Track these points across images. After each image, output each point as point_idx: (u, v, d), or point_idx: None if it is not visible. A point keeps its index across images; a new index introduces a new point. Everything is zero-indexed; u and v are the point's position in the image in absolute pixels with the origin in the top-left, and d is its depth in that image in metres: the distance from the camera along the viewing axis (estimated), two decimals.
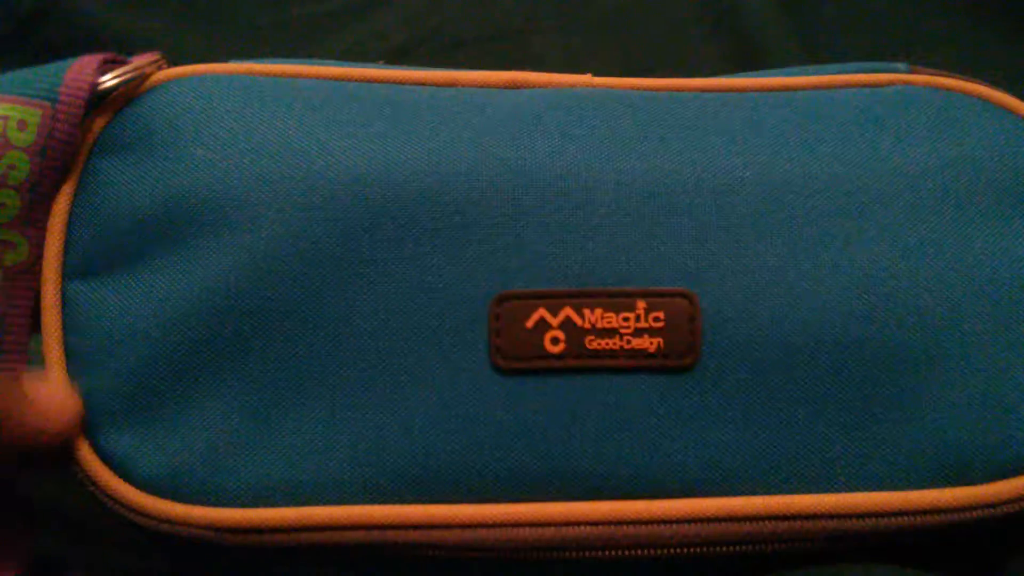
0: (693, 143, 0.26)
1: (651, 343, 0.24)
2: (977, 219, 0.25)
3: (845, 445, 0.24)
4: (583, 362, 0.24)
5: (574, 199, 0.25)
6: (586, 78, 0.28)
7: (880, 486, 0.24)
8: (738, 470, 0.24)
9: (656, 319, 0.24)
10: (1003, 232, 0.25)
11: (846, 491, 0.24)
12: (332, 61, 0.28)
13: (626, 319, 0.24)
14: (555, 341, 0.24)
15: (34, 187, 0.24)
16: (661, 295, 0.24)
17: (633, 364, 0.24)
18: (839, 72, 0.28)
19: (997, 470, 0.24)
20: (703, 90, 0.28)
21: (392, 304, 0.24)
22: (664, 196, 0.25)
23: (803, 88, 0.28)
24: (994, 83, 0.28)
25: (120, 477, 0.24)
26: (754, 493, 0.24)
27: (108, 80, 0.25)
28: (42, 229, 0.25)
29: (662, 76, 0.41)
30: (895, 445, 0.24)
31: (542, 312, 0.24)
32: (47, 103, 0.24)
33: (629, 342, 0.24)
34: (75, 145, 0.25)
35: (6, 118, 0.24)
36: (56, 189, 0.25)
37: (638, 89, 0.28)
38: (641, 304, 0.24)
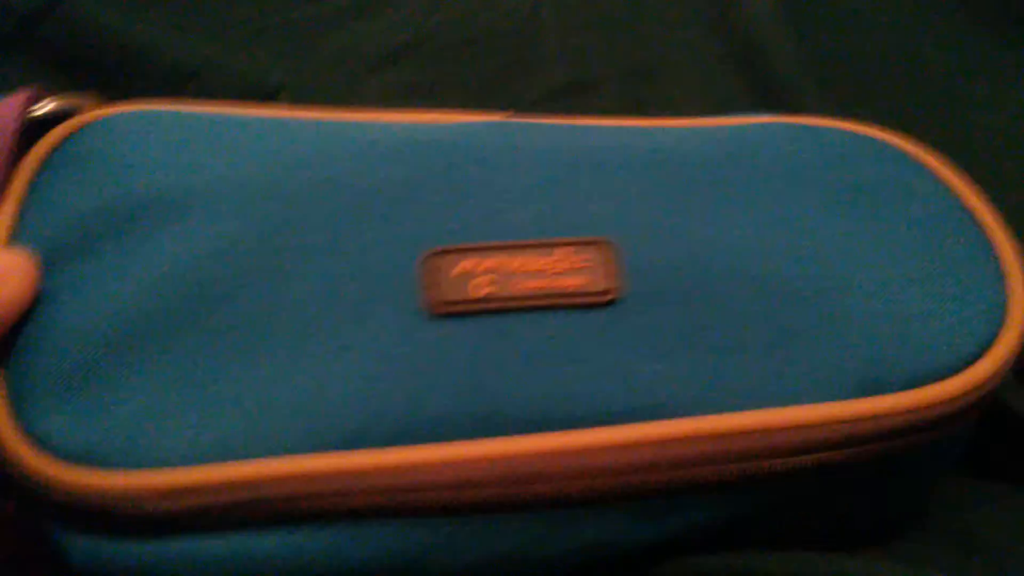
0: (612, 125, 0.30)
1: (574, 282, 0.26)
2: (820, 199, 0.29)
3: (766, 367, 0.25)
4: (511, 303, 0.25)
5: (503, 162, 0.28)
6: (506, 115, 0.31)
7: (804, 401, 0.25)
8: (665, 397, 0.25)
9: (582, 262, 0.26)
10: (838, 215, 0.28)
11: (772, 408, 0.25)
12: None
13: (550, 263, 0.26)
14: (480, 287, 0.26)
15: None
16: (585, 243, 0.26)
17: (557, 303, 0.26)
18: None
19: (910, 381, 0.26)
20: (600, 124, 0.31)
21: (325, 269, 0.26)
22: (588, 158, 0.28)
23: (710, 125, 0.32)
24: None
25: (39, 452, 0.23)
26: (681, 418, 0.25)
27: (42, 107, 0.27)
28: None
29: (662, 75, 0.41)
30: (814, 365, 0.26)
31: (469, 262, 0.26)
32: None
33: (554, 280, 0.26)
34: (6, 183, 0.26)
35: None
36: None
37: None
38: (564, 250, 0.26)
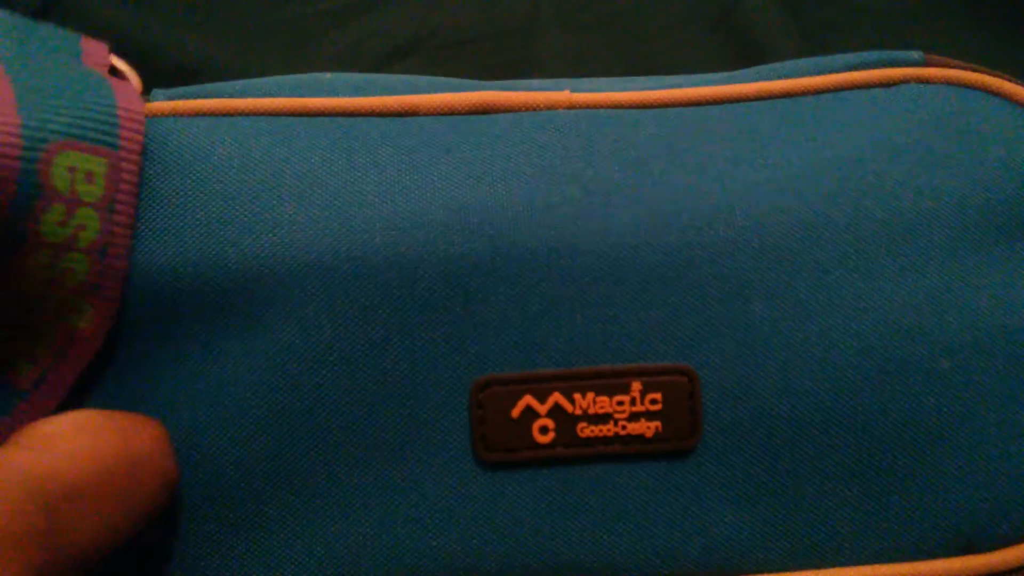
0: (687, 183, 0.23)
1: (648, 428, 0.22)
2: (992, 260, 0.23)
3: (854, 520, 0.23)
4: (575, 451, 0.22)
5: (559, 267, 0.23)
6: (565, 95, 0.25)
7: (888, 558, 0.23)
8: (741, 552, 0.23)
9: (653, 401, 0.22)
10: (1017, 273, 0.23)
11: (853, 565, 0.23)
12: (271, 81, 0.26)
13: (620, 403, 0.22)
14: (544, 430, 0.23)
15: (103, 249, 0.21)
16: (658, 372, 0.22)
17: (629, 451, 0.23)
18: (847, 67, 0.26)
19: (1004, 538, 0.23)
20: (699, 101, 0.25)
21: (363, 396, 0.23)
22: (657, 257, 0.23)
23: (807, 93, 0.25)
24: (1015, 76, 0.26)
25: None
26: (759, 573, 0.23)
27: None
28: (109, 299, 0.22)
29: (662, 75, 0.41)
30: (906, 517, 0.23)
31: (528, 399, 0.22)
32: (110, 150, 0.21)
33: (624, 427, 0.22)
34: (137, 197, 0.22)
35: (74, 169, 0.20)
36: (126, 249, 0.22)
37: (624, 107, 0.25)
38: (636, 385, 0.23)
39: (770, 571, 0.23)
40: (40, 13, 0.39)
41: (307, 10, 0.42)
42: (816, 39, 0.42)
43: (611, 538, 0.23)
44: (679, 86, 0.26)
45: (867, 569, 0.23)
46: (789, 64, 0.26)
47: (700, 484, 0.23)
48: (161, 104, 0.25)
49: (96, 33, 0.40)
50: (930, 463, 0.23)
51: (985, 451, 0.23)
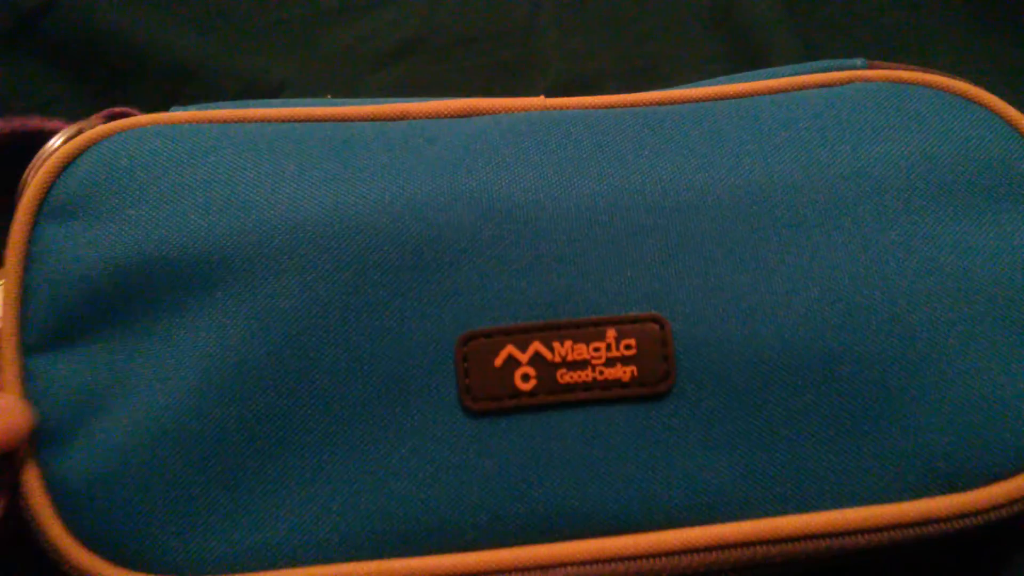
0: (652, 160, 0.25)
1: (624, 372, 0.24)
2: (945, 216, 0.25)
3: (830, 460, 0.24)
4: (556, 397, 0.24)
5: (534, 227, 0.24)
6: (539, 101, 0.28)
7: (870, 500, 0.23)
8: (722, 496, 0.23)
9: (627, 347, 0.24)
10: (973, 227, 0.25)
11: (834, 508, 0.23)
12: (278, 101, 0.28)
13: (597, 349, 0.24)
14: (526, 378, 0.24)
15: None
16: (631, 321, 0.24)
17: (608, 395, 0.24)
18: (795, 74, 0.28)
19: (985, 475, 0.24)
20: (660, 103, 0.27)
21: (353, 354, 0.24)
22: (626, 217, 0.24)
23: (760, 94, 0.27)
24: (954, 73, 0.28)
25: (89, 550, 0.23)
26: (741, 518, 0.23)
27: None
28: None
29: (662, 74, 0.41)
30: (882, 457, 0.24)
31: (510, 349, 0.24)
32: None
33: (602, 373, 0.24)
34: None
35: None
36: None
37: (593, 108, 0.27)
38: (611, 333, 0.24)
39: (754, 516, 0.23)
40: (40, 13, 0.40)
41: (307, 10, 0.42)
42: (815, 39, 0.42)
43: (594, 483, 0.23)
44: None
45: (851, 512, 0.23)
46: (743, 75, 0.29)
47: (678, 428, 0.24)
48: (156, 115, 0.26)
49: (95, 33, 0.40)
50: (898, 403, 0.24)
51: (953, 391, 0.24)
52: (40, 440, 0.24)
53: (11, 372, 0.24)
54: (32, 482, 0.23)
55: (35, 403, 0.24)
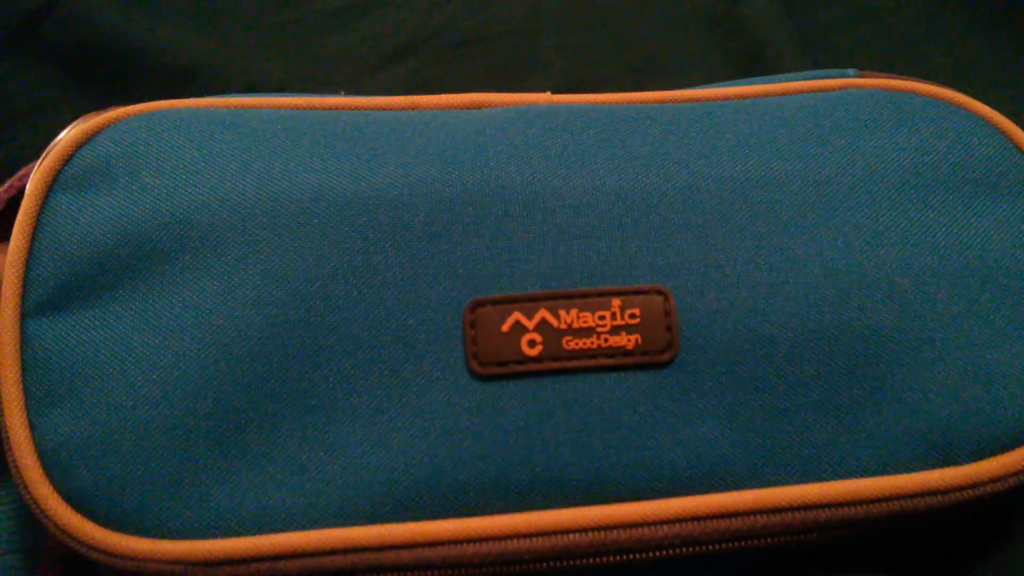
0: (656, 148, 0.26)
1: (628, 340, 0.24)
2: (939, 202, 0.26)
3: (830, 432, 0.24)
4: (561, 364, 0.24)
5: (543, 204, 0.25)
6: (546, 96, 0.29)
7: (868, 471, 0.24)
8: (724, 465, 0.24)
9: (632, 316, 0.24)
10: (967, 212, 0.26)
11: (834, 479, 0.24)
12: (293, 93, 0.29)
13: (602, 317, 0.24)
14: (532, 344, 0.24)
15: None
16: (636, 292, 0.24)
17: (612, 363, 0.24)
18: (790, 80, 0.29)
19: (983, 448, 0.24)
20: (661, 102, 0.29)
21: (361, 318, 0.24)
22: (632, 197, 0.25)
23: (756, 96, 0.29)
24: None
25: (82, 514, 0.23)
26: (742, 487, 0.24)
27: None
28: None
29: (663, 74, 0.41)
30: (880, 429, 0.24)
31: (517, 315, 0.24)
32: None
33: (607, 340, 0.24)
34: None
35: None
36: None
37: (599, 103, 0.28)
38: (616, 302, 0.24)
39: (756, 486, 0.24)
40: (41, 13, 0.40)
41: (307, 11, 0.42)
42: (816, 39, 0.42)
43: (598, 448, 0.24)
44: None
45: (851, 483, 0.24)
46: (738, 81, 0.30)
47: (680, 396, 0.24)
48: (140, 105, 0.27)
49: (96, 34, 0.40)
50: (897, 377, 0.24)
51: (950, 366, 0.24)
52: (33, 401, 0.24)
53: (9, 336, 0.24)
54: (21, 442, 0.23)
55: (32, 365, 0.24)
